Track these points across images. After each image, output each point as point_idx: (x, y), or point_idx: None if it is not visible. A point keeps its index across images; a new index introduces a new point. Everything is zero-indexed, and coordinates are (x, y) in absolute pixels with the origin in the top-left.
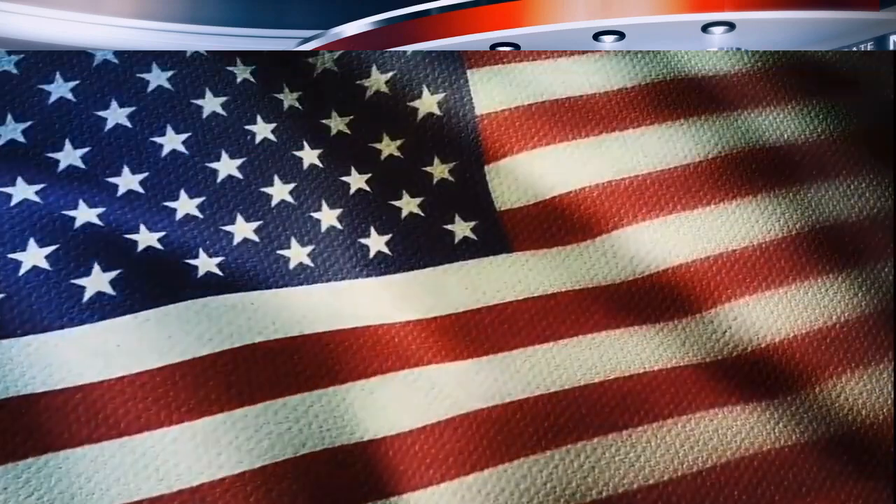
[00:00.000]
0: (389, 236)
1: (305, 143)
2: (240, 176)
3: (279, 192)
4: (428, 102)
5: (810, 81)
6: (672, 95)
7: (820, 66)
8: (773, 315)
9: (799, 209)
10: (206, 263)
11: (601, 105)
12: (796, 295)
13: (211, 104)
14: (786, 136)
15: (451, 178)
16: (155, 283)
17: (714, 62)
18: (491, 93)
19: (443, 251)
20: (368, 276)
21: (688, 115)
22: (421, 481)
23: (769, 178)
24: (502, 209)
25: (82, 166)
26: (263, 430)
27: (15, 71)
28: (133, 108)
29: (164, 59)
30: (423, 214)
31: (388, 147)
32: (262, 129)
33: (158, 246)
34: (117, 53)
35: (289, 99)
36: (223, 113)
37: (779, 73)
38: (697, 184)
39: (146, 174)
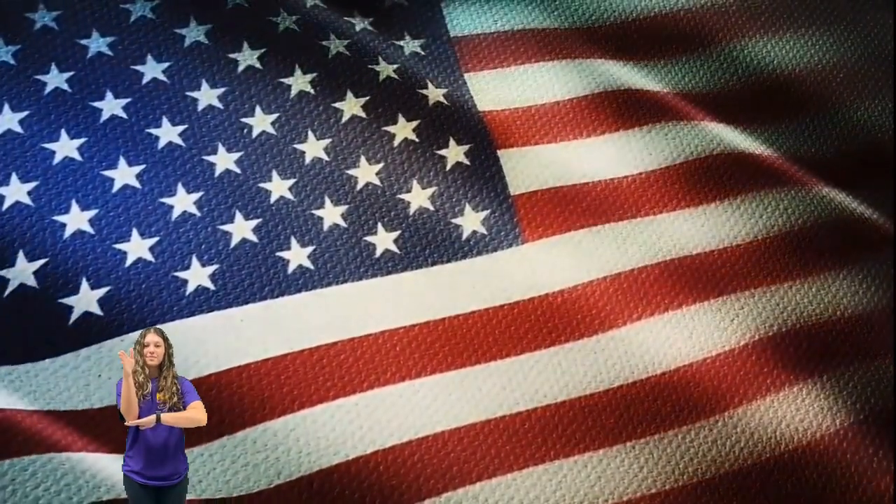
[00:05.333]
0: (398, 233)
1: (310, 133)
2: (237, 171)
3: (277, 187)
4: (434, 94)
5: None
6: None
7: None
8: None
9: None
10: (198, 274)
11: (603, 106)
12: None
13: (207, 95)
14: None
15: (466, 161)
16: (145, 300)
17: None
18: (490, 94)
19: (451, 247)
20: (374, 276)
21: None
22: (418, 494)
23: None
24: (516, 193)
25: (79, 158)
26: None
27: (12, 62)
28: (129, 100)
29: (160, 49)
30: (432, 208)
31: (404, 130)
32: (261, 122)
33: (149, 257)
34: (112, 45)
35: (299, 83)
36: (220, 105)
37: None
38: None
39: (143, 166)
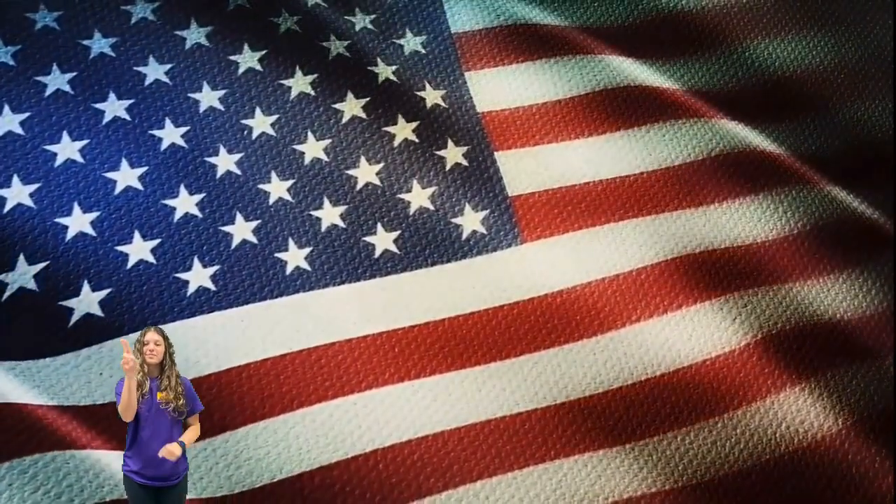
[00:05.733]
0: (398, 233)
1: (310, 134)
2: (238, 172)
3: (276, 188)
4: (432, 95)
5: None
6: (656, 102)
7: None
8: (780, 307)
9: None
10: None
11: (603, 106)
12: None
13: (209, 97)
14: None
15: (465, 163)
16: (147, 301)
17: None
18: (490, 93)
19: (451, 247)
20: (373, 276)
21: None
22: (418, 491)
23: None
24: (514, 194)
25: (81, 160)
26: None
27: (12, 63)
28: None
29: (162, 51)
30: (432, 208)
31: (404, 130)
32: (261, 123)
33: (151, 259)
34: (114, 46)
35: (299, 85)
36: (221, 107)
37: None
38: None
39: (145, 168)
